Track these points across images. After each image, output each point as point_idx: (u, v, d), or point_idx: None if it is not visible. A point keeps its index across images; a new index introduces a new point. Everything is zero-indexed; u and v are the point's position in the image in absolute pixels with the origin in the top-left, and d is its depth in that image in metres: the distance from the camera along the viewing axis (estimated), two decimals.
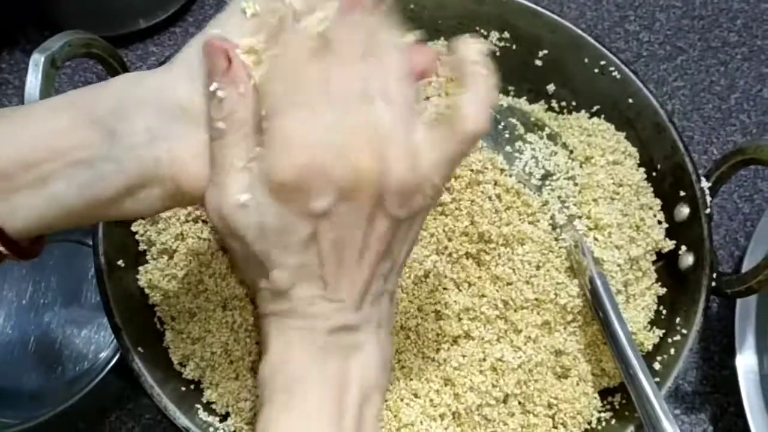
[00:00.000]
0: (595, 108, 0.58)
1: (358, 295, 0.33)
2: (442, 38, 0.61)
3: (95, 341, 0.59)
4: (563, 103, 0.60)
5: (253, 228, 0.32)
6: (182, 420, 0.43)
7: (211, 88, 0.32)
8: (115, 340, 0.48)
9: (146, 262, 0.50)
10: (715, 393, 0.60)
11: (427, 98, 0.33)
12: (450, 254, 0.48)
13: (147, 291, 0.49)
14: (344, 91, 0.30)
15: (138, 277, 0.49)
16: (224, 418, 0.47)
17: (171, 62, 0.34)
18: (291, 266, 0.32)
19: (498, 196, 0.49)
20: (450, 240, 0.48)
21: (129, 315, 0.47)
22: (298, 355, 0.33)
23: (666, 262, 0.54)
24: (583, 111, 0.58)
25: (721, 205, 0.67)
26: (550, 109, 0.60)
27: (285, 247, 0.32)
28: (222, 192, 0.32)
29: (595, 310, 0.47)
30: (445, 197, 0.47)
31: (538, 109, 0.59)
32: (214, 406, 0.47)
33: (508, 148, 0.51)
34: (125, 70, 0.52)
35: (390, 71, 0.31)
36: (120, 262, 0.48)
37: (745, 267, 0.56)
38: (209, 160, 0.32)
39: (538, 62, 0.59)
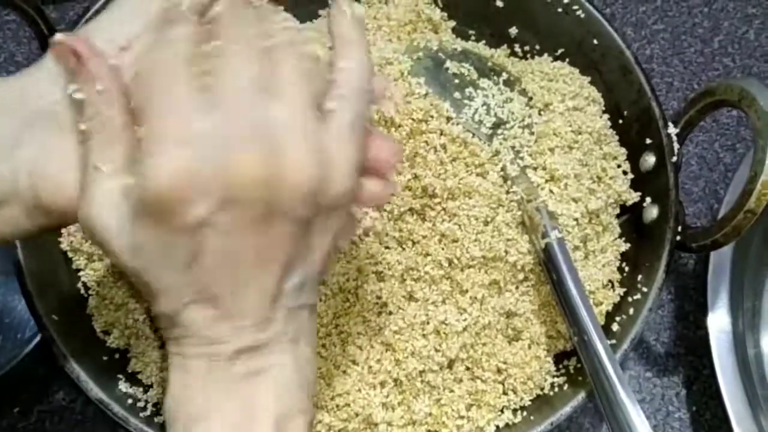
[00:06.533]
0: (560, 51, 0.54)
1: (264, 313, 0.29)
2: None
3: None
4: (526, 47, 0.55)
5: (126, 248, 0.28)
6: (95, 392, 0.40)
7: (68, 91, 0.29)
8: None
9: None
10: (689, 355, 0.56)
11: None
12: (391, 210, 0.44)
13: (70, 255, 0.46)
14: (231, 88, 0.27)
15: (60, 239, 0.46)
16: (149, 389, 0.44)
17: (35, 64, 0.30)
18: (176, 287, 0.28)
19: (443, 147, 0.45)
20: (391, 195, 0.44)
21: (49, 281, 0.44)
22: (198, 390, 0.30)
23: (632, 216, 0.50)
24: (546, 55, 0.54)
25: (700, 155, 0.63)
26: (513, 53, 0.56)
27: (165, 268, 0.28)
28: (89, 205, 0.28)
29: (547, 268, 0.43)
30: None
31: (499, 54, 0.55)
32: (140, 377, 0.44)
33: (456, 95, 0.47)
34: (43, 18, 0.48)
35: (285, 67, 0.28)
36: None
37: None
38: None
39: (500, 3, 0.55)
